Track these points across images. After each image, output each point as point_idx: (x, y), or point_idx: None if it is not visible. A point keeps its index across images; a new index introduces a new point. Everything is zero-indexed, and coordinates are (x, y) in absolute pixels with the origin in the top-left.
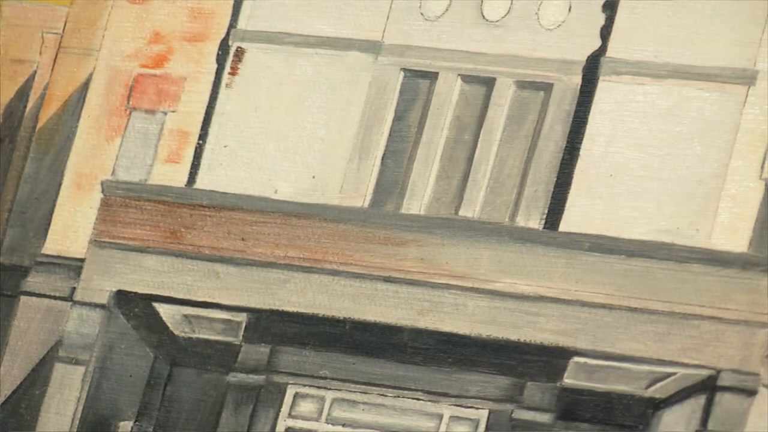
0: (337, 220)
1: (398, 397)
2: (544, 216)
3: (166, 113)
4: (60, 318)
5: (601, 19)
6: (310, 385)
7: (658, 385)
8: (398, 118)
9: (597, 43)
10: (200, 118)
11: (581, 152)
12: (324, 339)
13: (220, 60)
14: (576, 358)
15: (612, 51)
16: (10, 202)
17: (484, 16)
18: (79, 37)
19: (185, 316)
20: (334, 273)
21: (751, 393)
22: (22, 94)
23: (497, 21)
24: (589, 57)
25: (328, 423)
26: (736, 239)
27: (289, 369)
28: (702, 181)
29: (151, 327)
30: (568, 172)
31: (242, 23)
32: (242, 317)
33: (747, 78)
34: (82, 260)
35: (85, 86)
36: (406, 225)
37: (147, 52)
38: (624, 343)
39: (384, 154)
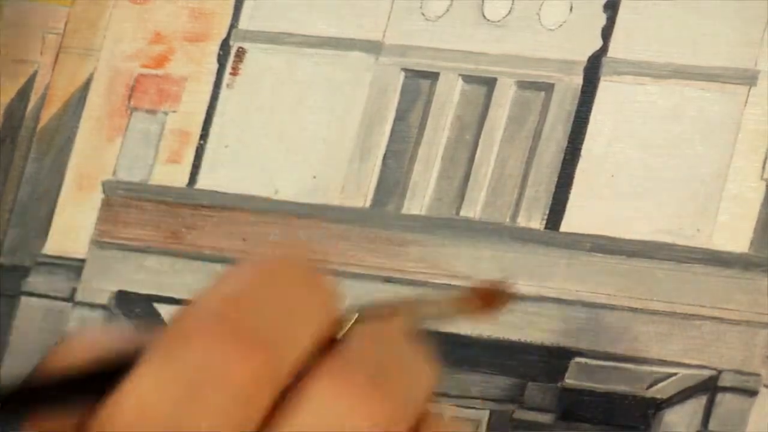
0: (338, 220)
1: None
2: (546, 216)
3: (167, 113)
4: (60, 318)
5: (602, 19)
6: None
7: (660, 385)
8: (399, 118)
9: (598, 43)
10: (201, 118)
11: (582, 152)
12: None
13: (221, 60)
14: (577, 359)
15: (613, 51)
16: (10, 202)
17: (485, 17)
18: (80, 38)
19: None
20: (335, 273)
21: (753, 393)
22: (23, 94)
23: (498, 21)
24: (590, 57)
25: None
26: (737, 239)
27: None
28: (703, 181)
29: (152, 327)
30: (570, 173)
31: (243, 23)
32: None
33: (748, 78)
34: (82, 260)
35: (86, 86)
36: (407, 225)
37: (148, 52)
38: (625, 344)
39: (385, 154)
